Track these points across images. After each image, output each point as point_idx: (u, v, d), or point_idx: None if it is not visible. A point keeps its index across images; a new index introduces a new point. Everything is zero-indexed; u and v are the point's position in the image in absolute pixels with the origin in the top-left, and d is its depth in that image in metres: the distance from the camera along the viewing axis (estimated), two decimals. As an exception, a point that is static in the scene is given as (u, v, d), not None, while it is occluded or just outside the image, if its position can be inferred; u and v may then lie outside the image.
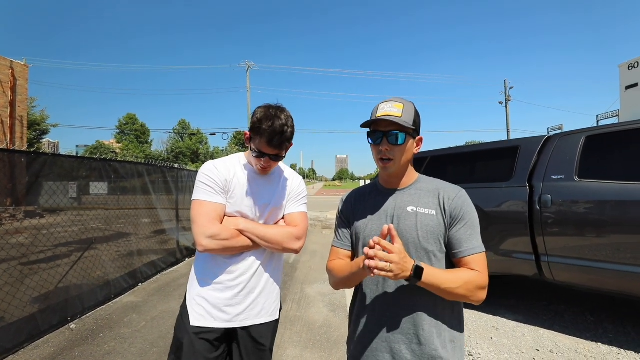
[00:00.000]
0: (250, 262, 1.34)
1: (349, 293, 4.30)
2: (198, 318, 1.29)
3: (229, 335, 1.36)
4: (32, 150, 3.56)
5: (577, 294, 3.92)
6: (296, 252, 1.40)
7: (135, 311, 3.73)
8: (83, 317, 3.53)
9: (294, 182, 1.49)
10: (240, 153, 1.43)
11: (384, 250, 0.85)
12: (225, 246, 1.26)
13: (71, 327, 3.29)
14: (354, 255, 1.18)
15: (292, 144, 1.35)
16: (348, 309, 3.74)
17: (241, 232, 1.29)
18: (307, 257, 6.48)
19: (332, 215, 13.72)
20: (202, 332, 1.28)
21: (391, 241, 0.88)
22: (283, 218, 1.45)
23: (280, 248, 1.35)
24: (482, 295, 0.98)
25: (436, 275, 0.93)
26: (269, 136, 1.23)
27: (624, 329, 3.02)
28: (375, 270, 0.83)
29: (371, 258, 0.84)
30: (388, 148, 1.03)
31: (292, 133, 1.31)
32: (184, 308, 1.35)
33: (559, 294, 4.00)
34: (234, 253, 1.31)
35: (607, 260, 2.61)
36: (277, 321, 1.44)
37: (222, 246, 1.25)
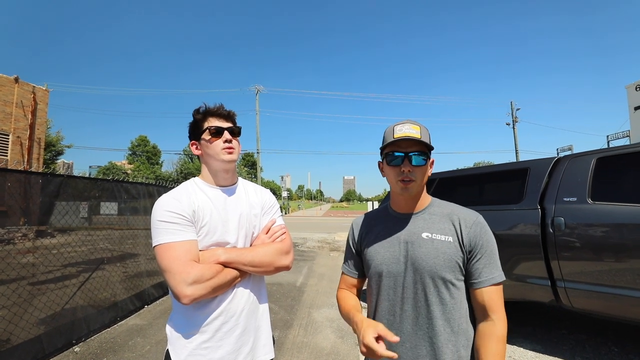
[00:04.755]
0: (241, 294, 1.17)
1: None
2: None
3: None
4: (48, 172, 3.67)
5: (599, 322, 3.72)
6: (288, 268, 1.25)
7: (140, 334, 3.67)
8: (88, 340, 3.48)
9: (264, 193, 1.36)
10: (192, 178, 1.27)
11: None
12: (214, 286, 1.06)
13: (75, 350, 3.24)
14: (362, 283, 1.18)
15: (240, 127, 1.27)
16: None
17: (224, 264, 1.11)
18: (314, 280, 6.36)
19: (339, 237, 13.55)
20: None
21: None
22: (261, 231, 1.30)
23: (272, 269, 1.20)
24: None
25: None
26: (214, 109, 1.22)
27: (651, 362, 2.84)
28: None
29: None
30: (410, 169, 1.00)
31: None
32: None
33: (578, 321, 3.81)
34: (225, 291, 1.12)
35: (628, 286, 2.50)
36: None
37: (210, 288, 1.05)
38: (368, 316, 1.14)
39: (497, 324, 0.95)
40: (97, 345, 3.39)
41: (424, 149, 1.01)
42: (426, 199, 1.10)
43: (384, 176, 1.11)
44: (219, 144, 1.19)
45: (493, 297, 0.96)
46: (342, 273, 1.19)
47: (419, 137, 0.99)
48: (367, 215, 1.23)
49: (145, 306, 4.66)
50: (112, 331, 3.76)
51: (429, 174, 1.07)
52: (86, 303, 3.76)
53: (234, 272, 1.13)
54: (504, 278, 0.99)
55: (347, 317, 1.08)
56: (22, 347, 2.87)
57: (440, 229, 1.03)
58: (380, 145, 1.09)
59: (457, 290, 0.99)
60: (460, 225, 1.02)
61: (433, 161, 1.08)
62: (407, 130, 1.00)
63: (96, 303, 3.88)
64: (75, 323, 3.44)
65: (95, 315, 3.74)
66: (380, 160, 1.12)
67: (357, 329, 0.96)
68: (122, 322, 4.04)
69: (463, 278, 1.01)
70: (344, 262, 1.20)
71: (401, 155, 1.00)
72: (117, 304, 4.13)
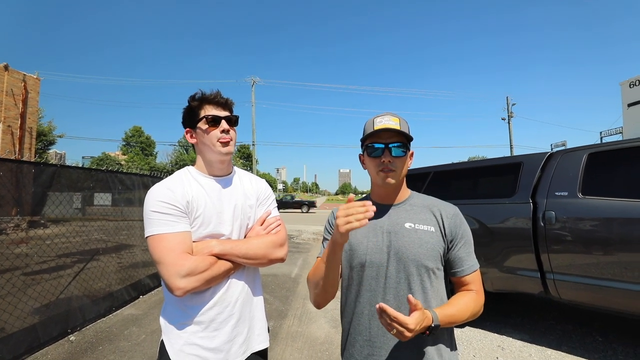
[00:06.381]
0: (235, 284, 1.16)
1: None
2: None
3: None
4: (41, 161, 3.63)
5: (585, 313, 3.83)
6: (282, 260, 1.24)
7: (136, 324, 3.70)
8: (83, 329, 3.51)
9: (259, 183, 1.33)
10: (186, 167, 1.23)
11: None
12: (207, 278, 1.05)
13: (71, 339, 3.26)
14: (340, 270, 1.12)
15: (237, 116, 1.23)
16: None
17: (218, 256, 1.09)
18: (309, 271, 6.42)
19: (334, 229, 13.61)
20: None
21: (410, 311, 0.85)
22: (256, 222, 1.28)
23: (265, 261, 1.19)
24: (481, 311, 1.03)
25: (450, 318, 0.93)
26: (211, 96, 1.16)
27: (634, 350, 2.94)
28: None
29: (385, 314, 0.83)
30: (391, 159, 1.01)
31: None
32: None
33: (565, 312, 3.92)
34: (219, 282, 1.11)
35: (614, 278, 2.57)
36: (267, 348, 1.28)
37: (203, 280, 1.04)
38: (346, 308, 1.10)
39: (476, 293, 1.03)
40: (92, 334, 3.41)
41: (404, 140, 1.03)
42: (406, 191, 1.13)
43: (365, 168, 1.12)
44: (215, 134, 1.15)
45: (475, 281, 1.04)
46: (319, 258, 1.12)
47: (398, 127, 1.01)
48: None
49: (141, 296, 4.68)
50: (108, 321, 3.78)
51: (409, 166, 1.09)
52: (81, 293, 3.77)
53: (228, 264, 1.12)
54: (479, 265, 1.08)
55: (322, 262, 1.02)
56: (16, 335, 2.88)
57: (423, 219, 1.05)
58: (361, 137, 1.09)
59: (436, 279, 1.02)
60: (441, 216, 1.05)
61: (412, 153, 1.10)
62: (387, 121, 1.02)
63: (91, 293, 3.88)
64: (70, 312, 3.46)
65: (91, 305, 3.75)
66: (361, 153, 1.12)
67: (334, 230, 0.90)
68: (118, 311, 4.06)
69: (443, 267, 1.05)
70: (322, 250, 1.14)
71: (381, 146, 1.02)
72: (113, 294, 4.14)
